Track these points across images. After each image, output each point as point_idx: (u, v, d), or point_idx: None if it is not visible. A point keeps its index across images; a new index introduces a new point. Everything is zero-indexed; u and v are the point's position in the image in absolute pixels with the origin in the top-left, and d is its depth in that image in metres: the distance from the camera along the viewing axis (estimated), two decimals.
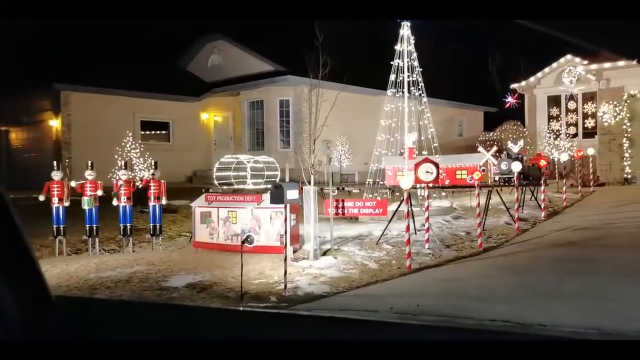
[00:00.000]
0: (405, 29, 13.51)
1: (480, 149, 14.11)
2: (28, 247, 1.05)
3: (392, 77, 13.57)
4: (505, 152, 13.04)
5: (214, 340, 1.11)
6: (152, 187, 9.97)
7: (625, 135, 19.86)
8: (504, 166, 11.26)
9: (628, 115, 19.81)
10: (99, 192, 9.75)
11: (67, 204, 9.59)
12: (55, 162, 9.99)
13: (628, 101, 19.78)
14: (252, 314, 1.60)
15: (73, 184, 9.77)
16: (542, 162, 13.44)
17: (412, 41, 13.56)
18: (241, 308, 5.31)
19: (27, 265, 1.04)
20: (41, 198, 9.55)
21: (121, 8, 0.92)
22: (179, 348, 1.07)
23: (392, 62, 13.60)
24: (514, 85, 24.10)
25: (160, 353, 1.06)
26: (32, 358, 1.05)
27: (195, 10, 0.96)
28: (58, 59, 19.96)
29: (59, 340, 1.08)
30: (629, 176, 19.77)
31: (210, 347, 1.08)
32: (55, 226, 9.50)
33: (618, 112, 19.90)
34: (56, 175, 9.63)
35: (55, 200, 9.53)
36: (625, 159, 19.82)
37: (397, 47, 13.54)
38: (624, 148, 19.83)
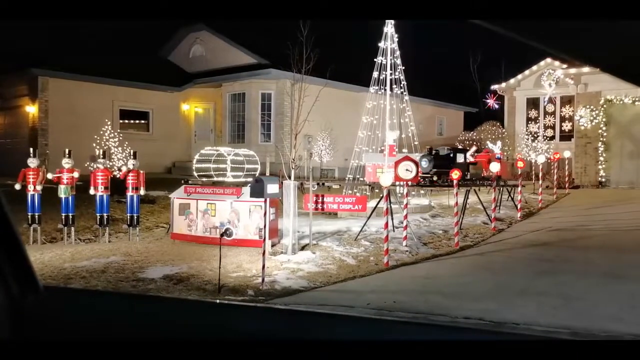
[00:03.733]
0: (389, 27, 13.55)
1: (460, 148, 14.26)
2: (16, 235, 1.04)
3: (375, 74, 13.62)
4: (428, 149, 12.32)
5: (207, 340, 1.11)
6: (130, 177, 9.88)
7: (601, 139, 20.22)
8: (424, 164, 10.91)
9: (604, 119, 20.17)
10: (76, 175, 9.61)
11: (39, 187, 9.44)
12: (31, 149, 9.84)
13: (605, 106, 20.14)
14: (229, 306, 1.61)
15: (50, 176, 9.61)
16: (520, 164, 13.57)
17: (396, 39, 13.62)
18: (218, 301, 5.31)
19: (15, 254, 1.03)
20: (17, 187, 9.39)
21: (120, 9, 0.93)
22: (171, 348, 1.08)
23: (375, 60, 13.64)
24: (494, 87, 24.35)
25: (151, 352, 1.07)
26: (28, 358, 1.05)
27: (187, 10, 0.97)
28: (36, 43, 19.59)
29: (53, 340, 1.08)
30: (603, 179, 20.14)
31: (203, 347, 1.09)
32: (30, 214, 9.37)
33: (595, 116, 20.25)
34: (32, 162, 9.49)
35: (30, 187, 9.38)
36: (600, 162, 20.18)
37: (381, 45, 13.59)
38: (600, 152, 20.19)
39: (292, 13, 0.93)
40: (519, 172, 13.33)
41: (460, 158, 11.85)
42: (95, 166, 9.99)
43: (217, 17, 0.98)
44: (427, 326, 1.41)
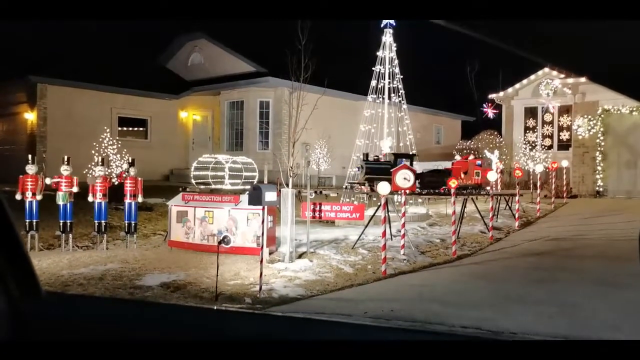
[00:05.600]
0: (388, 36, 13.61)
1: (457, 157, 14.29)
2: (19, 240, 1.05)
3: (373, 83, 13.66)
4: (364, 154, 11.67)
5: (203, 345, 1.12)
6: (128, 184, 9.87)
7: (598, 148, 20.28)
8: (357, 170, 10.69)
9: (602, 129, 20.24)
10: (75, 189, 9.61)
11: (39, 197, 9.42)
12: (30, 156, 9.83)
13: (602, 115, 20.21)
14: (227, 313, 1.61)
15: (48, 181, 9.58)
16: (518, 173, 13.59)
17: (394, 48, 13.68)
18: (215, 307, 5.30)
19: (17, 258, 1.04)
20: (18, 197, 9.35)
21: (120, 9, 0.94)
22: (170, 349, 1.08)
23: (373, 68, 13.69)
24: (492, 96, 24.42)
25: (151, 353, 1.07)
26: (30, 358, 1.05)
27: (185, 9, 0.98)
28: (35, 50, 19.64)
29: (55, 341, 1.08)
30: (601, 189, 20.18)
31: (201, 347, 1.09)
32: (28, 221, 9.33)
33: (592, 125, 20.31)
34: (31, 169, 9.48)
35: (29, 194, 9.37)
36: (597, 172, 20.23)
37: (379, 54, 13.64)
38: (597, 161, 20.24)
39: (292, 13, 0.93)
40: (517, 181, 13.36)
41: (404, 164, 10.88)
42: (94, 174, 9.98)
43: (216, 16, 0.98)
44: (423, 333, 1.41)
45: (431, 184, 11.14)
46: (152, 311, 1.32)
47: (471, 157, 13.52)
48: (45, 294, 1.09)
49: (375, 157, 11.37)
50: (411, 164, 11.13)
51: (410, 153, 11.79)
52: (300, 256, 8.85)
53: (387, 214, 9.27)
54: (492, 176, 11.58)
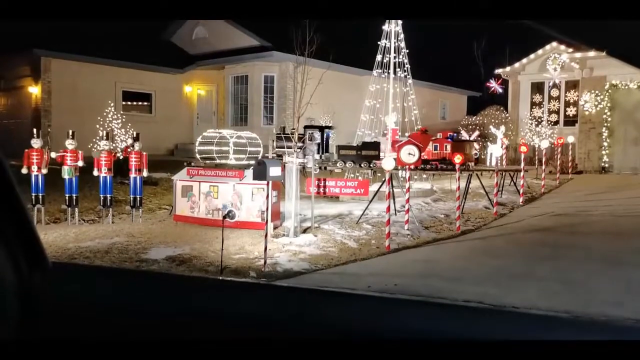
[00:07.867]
0: None
1: (463, 132, 14.22)
2: (25, 210, 1.05)
3: (379, 57, 13.54)
4: (281, 127, 11.56)
5: (211, 317, 1.12)
6: (133, 159, 9.89)
7: (605, 124, 20.15)
8: (272, 143, 10.54)
9: (609, 105, 20.08)
10: (80, 163, 9.64)
11: (44, 171, 9.45)
12: (35, 130, 9.84)
13: (610, 91, 20.03)
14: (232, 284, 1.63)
15: (53, 155, 9.61)
16: (523, 149, 13.53)
17: (400, 22, 13.51)
18: (220, 278, 5.33)
19: (23, 230, 1.04)
20: (24, 170, 9.38)
21: (121, 8, 0.93)
22: (171, 348, 1.09)
23: (379, 43, 13.56)
24: (499, 71, 24.18)
25: (152, 352, 1.08)
26: (32, 358, 1.06)
27: (191, 8, 0.97)
28: (38, 23, 19.48)
29: (57, 340, 1.09)
30: (606, 165, 20.11)
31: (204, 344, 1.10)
32: (34, 194, 9.38)
33: (599, 101, 20.15)
34: (36, 143, 9.49)
35: (34, 168, 9.40)
36: (603, 148, 20.14)
37: (385, 28, 13.50)
38: (603, 137, 20.14)
39: (292, 12, 0.93)
40: (522, 157, 13.31)
41: (317, 138, 10.70)
42: (98, 148, 9.97)
43: (218, 16, 0.98)
44: (426, 305, 1.42)
45: (367, 158, 11.24)
46: (159, 282, 1.33)
47: (477, 132, 13.45)
48: (52, 265, 1.10)
49: (292, 130, 11.38)
50: (322, 137, 10.98)
51: (323, 125, 11.66)
52: (304, 231, 8.90)
53: (391, 190, 9.28)
54: (497, 151, 11.53)
